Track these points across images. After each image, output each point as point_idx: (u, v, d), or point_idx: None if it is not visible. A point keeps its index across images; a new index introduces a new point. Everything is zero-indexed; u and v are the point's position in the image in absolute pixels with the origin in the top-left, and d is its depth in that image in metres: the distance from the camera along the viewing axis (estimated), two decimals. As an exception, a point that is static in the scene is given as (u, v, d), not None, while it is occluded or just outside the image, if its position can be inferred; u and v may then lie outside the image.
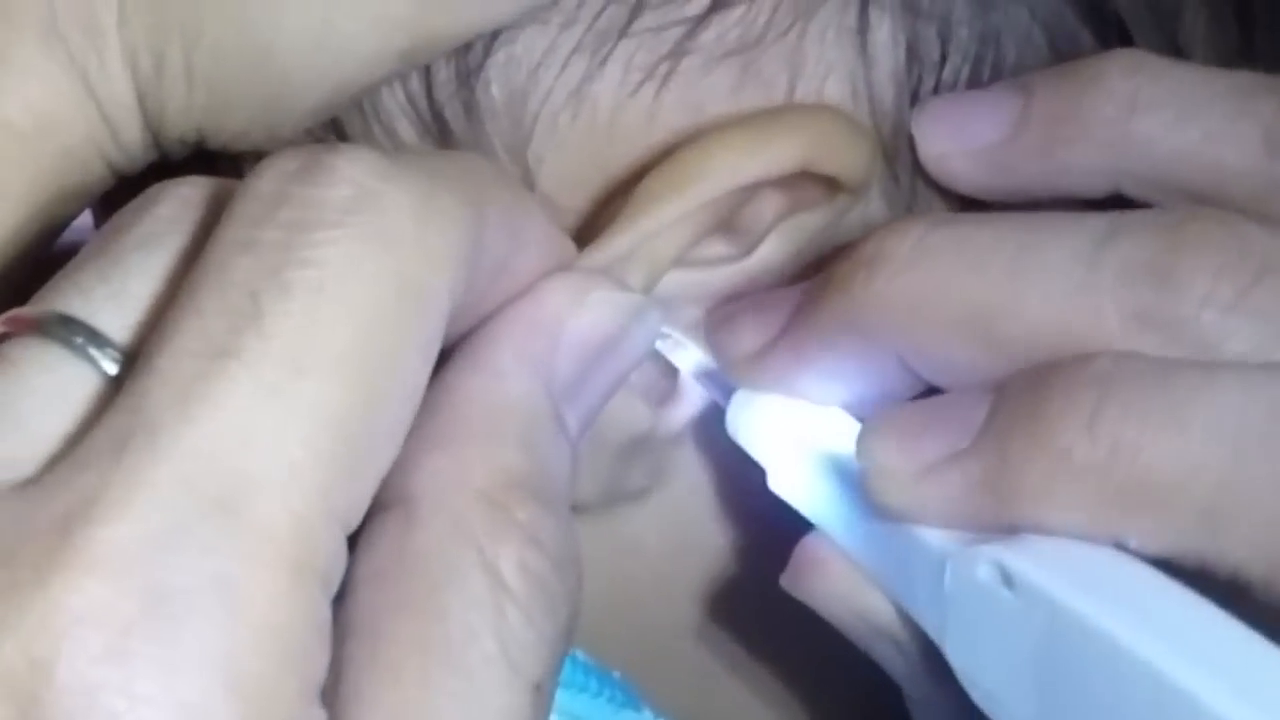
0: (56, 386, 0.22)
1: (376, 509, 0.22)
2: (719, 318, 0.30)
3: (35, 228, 0.29)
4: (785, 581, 0.29)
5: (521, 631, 0.22)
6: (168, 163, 0.30)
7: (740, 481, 0.32)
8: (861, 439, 0.26)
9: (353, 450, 0.21)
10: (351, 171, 0.22)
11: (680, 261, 0.29)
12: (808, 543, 0.29)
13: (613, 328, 0.26)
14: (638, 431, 0.30)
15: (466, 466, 0.23)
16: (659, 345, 0.31)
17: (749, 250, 0.30)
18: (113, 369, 0.22)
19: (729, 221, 0.29)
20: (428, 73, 0.29)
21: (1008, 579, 0.24)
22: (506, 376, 0.25)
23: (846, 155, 0.29)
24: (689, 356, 0.31)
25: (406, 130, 0.30)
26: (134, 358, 0.22)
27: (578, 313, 0.26)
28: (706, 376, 0.31)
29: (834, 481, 0.28)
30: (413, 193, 0.22)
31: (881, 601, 0.28)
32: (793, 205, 0.30)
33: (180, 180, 0.24)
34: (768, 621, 0.33)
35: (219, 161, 0.31)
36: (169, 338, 0.21)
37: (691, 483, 0.32)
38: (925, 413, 0.26)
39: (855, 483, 0.27)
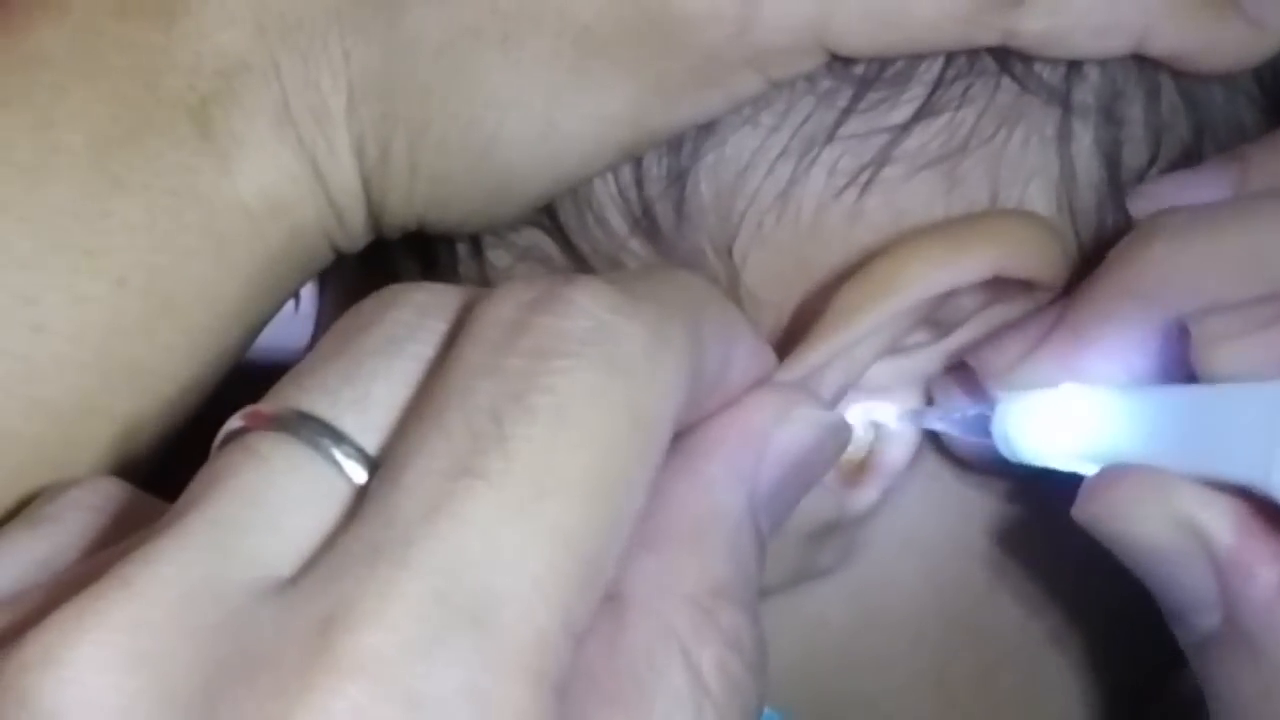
0: (305, 487, 0.23)
1: None
2: (979, 342, 0.31)
3: (262, 305, 0.30)
4: (1079, 509, 0.28)
5: None
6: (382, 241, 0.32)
7: (925, 554, 0.33)
8: (1195, 317, 0.27)
9: (588, 567, 0.22)
10: (587, 303, 0.23)
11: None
12: (1101, 473, 0.28)
13: (811, 443, 0.27)
14: (825, 519, 0.31)
15: (676, 571, 0.24)
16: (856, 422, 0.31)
17: (948, 333, 0.31)
18: (358, 474, 0.23)
19: (926, 318, 0.30)
20: (639, 166, 0.30)
21: None
22: (716, 487, 0.26)
23: (1041, 260, 0.29)
24: (890, 409, 0.31)
25: (616, 219, 0.31)
26: (376, 464, 0.23)
27: (781, 428, 0.27)
28: (918, 416, 0.31)
29: (1126, 424, 0.28)
30: (644, 325, 0.23)
31: (1186, 485, 0.27)
32: (992, 298, 0.30)
33: (414, 286, 0.25)
34: (945, 694, 0.34)
35: (435, 242, 0.32)
36: (416, 453, 0.22)
37: (877, 558, 0.33)
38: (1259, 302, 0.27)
39: (1150, 413, 0.27)
